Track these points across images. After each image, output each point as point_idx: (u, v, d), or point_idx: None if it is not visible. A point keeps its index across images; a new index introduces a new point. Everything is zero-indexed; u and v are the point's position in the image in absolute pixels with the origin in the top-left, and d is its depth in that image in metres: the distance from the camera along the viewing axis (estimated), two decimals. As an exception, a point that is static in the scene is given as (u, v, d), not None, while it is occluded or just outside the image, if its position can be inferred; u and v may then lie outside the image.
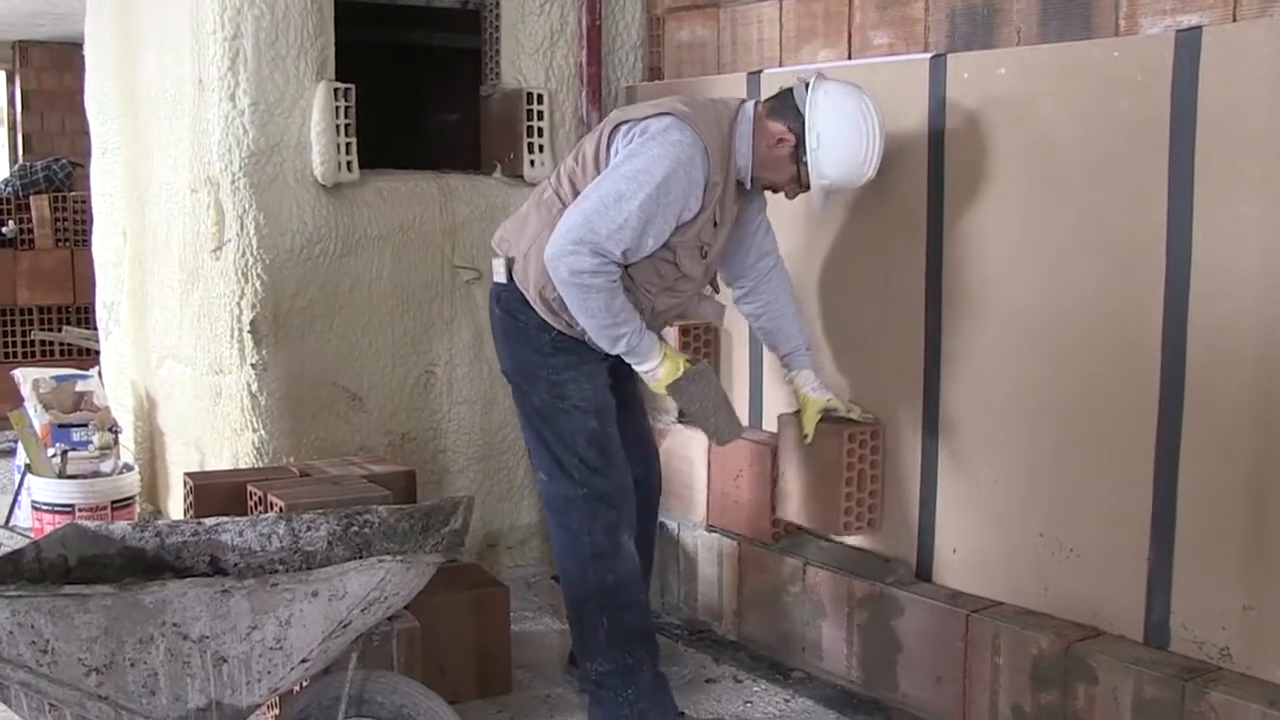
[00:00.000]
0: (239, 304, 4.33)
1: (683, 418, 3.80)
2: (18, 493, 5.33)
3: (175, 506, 5.02)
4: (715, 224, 3.45)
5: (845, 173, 3.43)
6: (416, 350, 4.67)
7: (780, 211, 3.82)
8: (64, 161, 8.52)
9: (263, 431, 4.39)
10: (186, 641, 2.47)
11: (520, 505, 4.93)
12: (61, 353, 7.79)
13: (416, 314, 4.64)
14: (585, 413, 3.51)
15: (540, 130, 4.75)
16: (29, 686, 2.45)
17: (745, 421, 4.34)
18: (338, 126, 4.34)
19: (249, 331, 4.33)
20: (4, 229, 7.88)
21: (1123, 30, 3.35)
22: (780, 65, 4.33)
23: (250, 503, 3.83)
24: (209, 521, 3.00)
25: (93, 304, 6.27)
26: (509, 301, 3.53)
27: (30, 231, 7.99)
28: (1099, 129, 3.26)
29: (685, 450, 4.44)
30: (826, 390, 3.83)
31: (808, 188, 3.48)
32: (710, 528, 4.37)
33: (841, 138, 3.39)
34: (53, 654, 2.42)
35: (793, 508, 4.01)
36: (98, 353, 6.22)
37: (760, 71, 4.27)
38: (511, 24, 4.79)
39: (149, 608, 2.43)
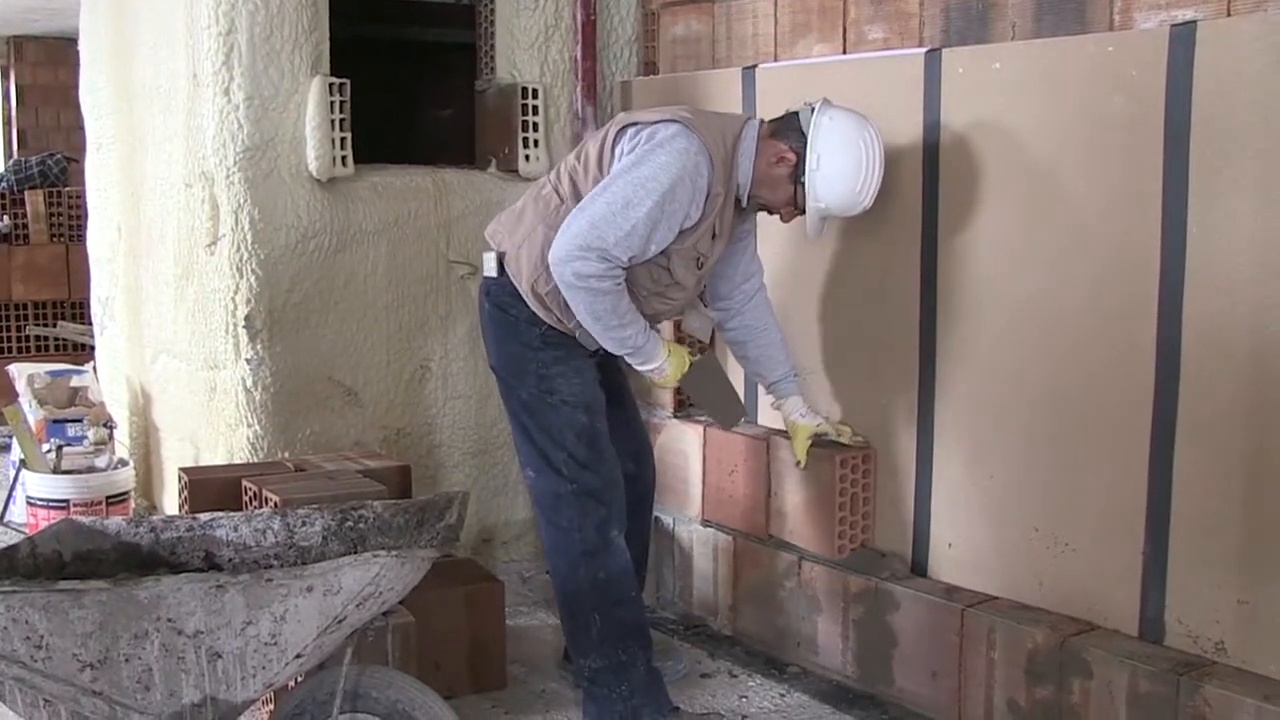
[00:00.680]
0: (234, 299, 4.33)
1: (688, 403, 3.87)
2: (12, 488, 5.33)
3: (170, 502, 5.02)
4: (714, 235, 3.46)
5: (842, 198, 3.43)
6: (411, 345, 4.67)
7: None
8: (59, 157, 8.52)
9: (257, 427, 4.39)
10: (181, 637, 2.47)
11: (515, 500, 4.93)
12: (56, 348, 7.79)
13: (411, 309, 4.64)
14: (574, 407, 3.50)
15: (535, 125, 4.75)
16: (23, 682, 2.45)
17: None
18: (332, 121, 4.33)
19: (244, 326, 4.33)
20: (-1, 224, 7.88)
21: (1117, 25, 3.35)
22: (775, 60, 4.33)
23: (245, 498, 3.82)
24: (204, 517, 3.00)
25: (88, 299, 6.27)
26: (499, 295, 3.53)
27: (25, 227, 7.99)
28: (1093, 124, 3.26)
29: (680, 445, 4.44)
30: (816, 415, 3.86)
31: (803, 210, 3.48)
32: (705, 522, 4.37)
33: (841, 162, 3.38)
34: (47, 649, 2.42)
35: (786, 528, 4.03)
36: (92, 348, 6.22)
37: (755, 66, 4.27)
38: (506, 19, 4.78)
39: (144, 603, 2.43)
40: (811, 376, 4.07)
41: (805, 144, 3.40)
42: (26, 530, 4.94)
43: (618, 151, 3.38)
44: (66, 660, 2.43)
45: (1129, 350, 3.23)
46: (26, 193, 8.04)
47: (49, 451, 5.05)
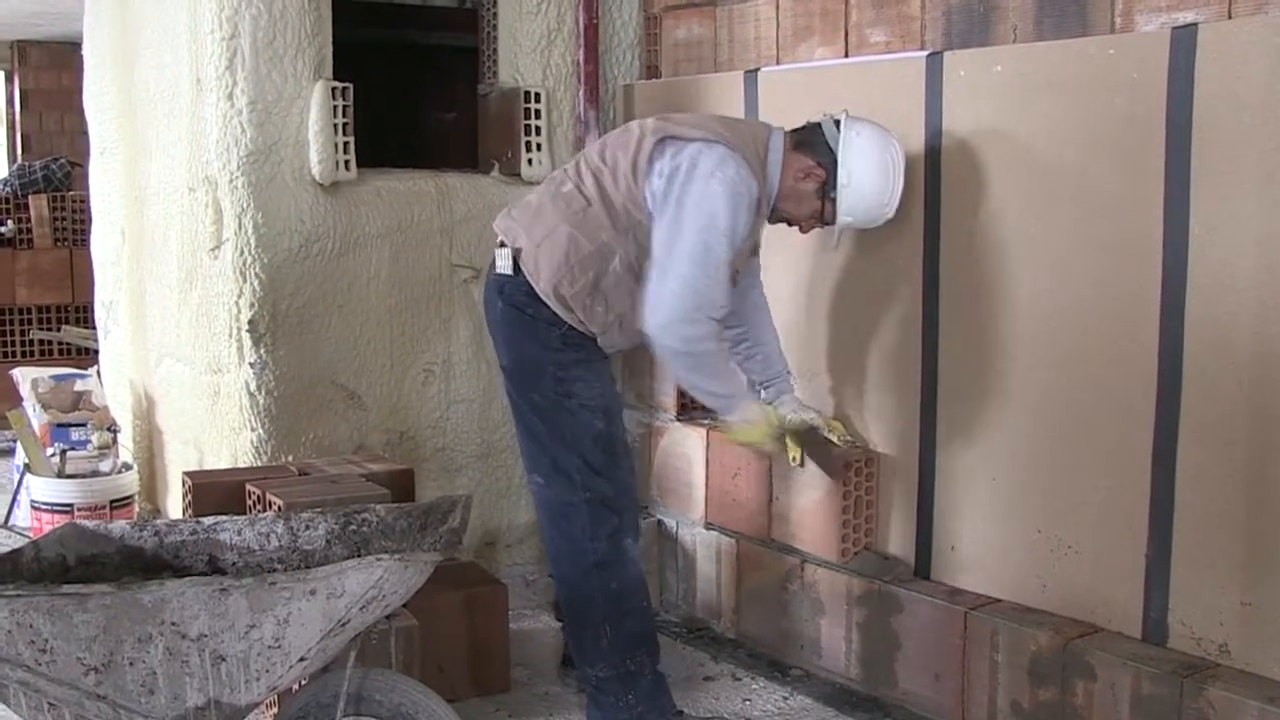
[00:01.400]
0: (237, 303, 4.34)
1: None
2: (16, 492, 5.34)
3: (174, 505, 5.02)
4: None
5: (870, 211, 3.47)
6: (414, 349, 4.67)
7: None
8: (62, 161, 8.52)
9: (261, 430, 4.40)
10: (185, 640, 2.47)
11: (518, 503, 4.93)
12: (60, 352, 7.79)
13: (414, 313, 4.64)
14: (593, 412, 3.43)
15: (538, 129, 4.75)
16: (28, 686, 2.46)
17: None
18: (335, 126, 4.34)
19: (247, 330, 4.34)
20: (3, 228, 7.88)
21: (1118, 28, 3.35)
22: (777, 63, 4.33)
23: (249, 502, 3.83)
24: (207, 520, 3.00)
25: (91, 303, 6.27)
26: (514, 294, 3.43)
27: (29, 231, 7.99)
28: (1095, 126, 3.26)
29: (683, 448, 4.44)
30: (809, 410, 3.84)
31: (829, 223, 3.49)
32: (709, 525, 4.37)
33: (871, 177, 3.42)
34: (51, 653, 2.43)
35: (789, 531, 4.03)
36: (96, 352, 6.23)
37: (757, 70, 4.27)
38: (509, 23, 4.79)
39: (147, 607, 2.43)
40: (816, 378, 4.07)
41: (833, 159, 3.40)
42: (31, 534, 4.95)
43: (657, 169, 3.32)
44: (70, 664, 2.44)
45: (1132, 352, 3.23)
46: (30, 197, 8.04)
47: (53, 455, 5.05)
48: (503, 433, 4.82)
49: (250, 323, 4.33)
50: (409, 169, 4.72)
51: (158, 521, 3.01)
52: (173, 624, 2.45)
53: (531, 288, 3.39)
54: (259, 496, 3.76)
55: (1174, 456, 3.16)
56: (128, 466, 5.12)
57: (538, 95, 4.75)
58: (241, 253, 4.30)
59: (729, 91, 4.33)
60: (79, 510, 4.79)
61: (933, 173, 3.67)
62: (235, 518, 3.02)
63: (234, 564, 2.96)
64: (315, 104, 4.32)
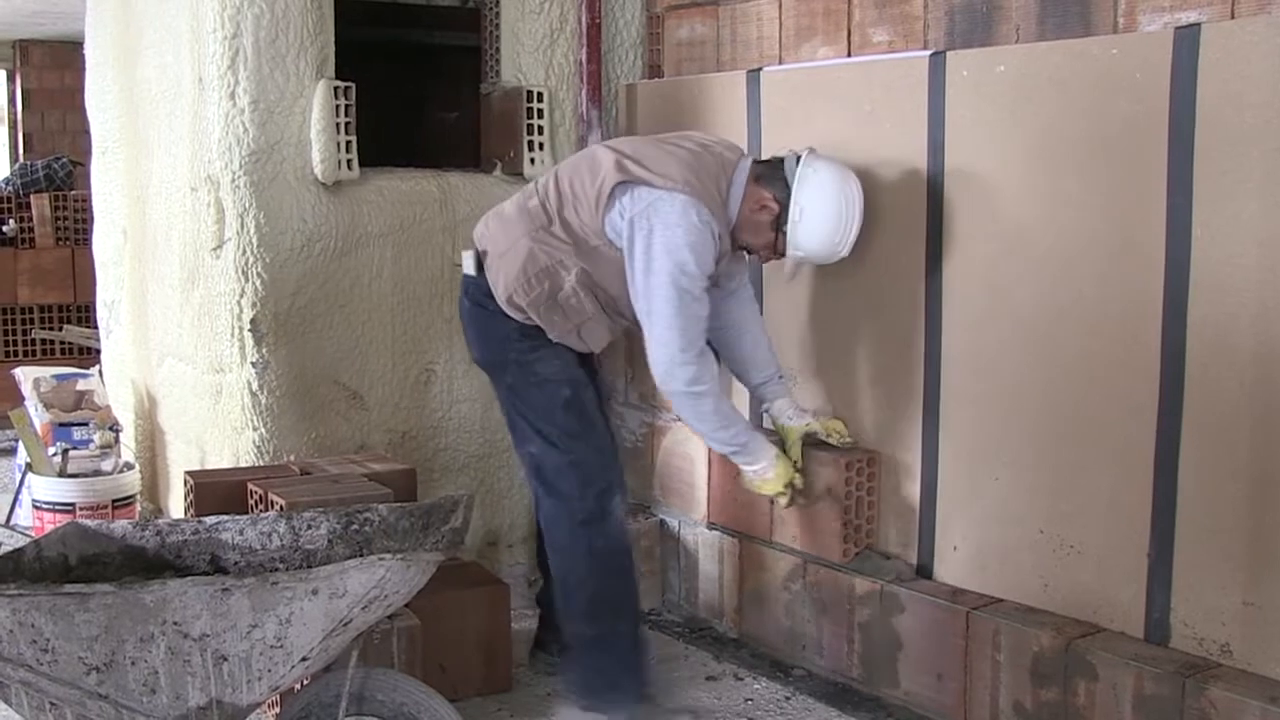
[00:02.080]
0: (239, 302, 4.34)
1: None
2: (18, 491, 5.33)
3: (176, 505, 5.02)
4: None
5: (820, 249, 3.58)
6: (417, 348, 4.67)
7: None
8: (64, 160, 8.52)
9: (263, 430, 4.40)
10: (187, 640, 2.47)
11: (520, 503, 4.92)
12: (62, 351, 7.79)
13: (417, 312, 4.64)
14: (558, 383, 3.60)
15: (540, 128, 4.74)
16: (29, 685, 2.46)
17: (745, 416, 4.34)
18: (338, 125, 4.34)
19: (249, 330, 4.34)
20: (5, 227, 7.88)
21: (1121, 27, 3.35)
22: (780, 63, 4.33)
23: (251, 501, 3.83)
24: (209, 520, 3.00)
25: (93, 303, 6.27)
26: (476, 293, 3.65)
27: (31, 230, 7.99)
28: (1098, 126, 3.26)
29: (685, 448, 4.44)
30: (805, 414, 3.90)
31: (782, 255, 3.60)
32: (711, 525, 4.37)
33: (822, 216, 3.51)
34: (53, 653, 2.43)
35: (791, 534, 4.03)
36: (98, 351, 6.22)
37: (760, 69, 4.27)
38: (511, 22, 4.78)
39: (149, 606, 2.43)
40: (817, 379, 4.07)
41: (788, 194, 3.50)
42: (32, 533, 4.95)
43: (617, 208, 3.44)
44: (72, 663, 2.44)
45: (1134, 352, 3.22)
46: (32, 196, 8.04)
47: (55, 455, 5.05)
48: (504, 432, 4.77)
49: (252, 322, 4.33)
50: (411, 168, 4.72)
51: (160, 521, 3.01)
52: (175, 623, 2.45)
53: (491, 288, 3.59)
54: (261, 496, 3.76)
55: (1176, 456, 3.16)
56: (129, 466, 5.12)
57: (540, 94, 4.75)
58: (244, 252, 4.30)
59: (731, 91, 4.33)
60: (81, 510, 4.78)
61: (935, 172, 3.67)
62: (237, 517, 3.02)
63: (236, 564, 2.97)
64: (317, 103, 4.31)
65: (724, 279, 3.79)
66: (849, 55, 4.09)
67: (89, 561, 2.88)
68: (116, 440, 5.28)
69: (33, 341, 7.94)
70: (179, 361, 4.91)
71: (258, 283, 4.31)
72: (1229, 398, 3.05)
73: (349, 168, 4.38)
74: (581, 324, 3.58)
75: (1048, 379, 3.44)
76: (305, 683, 2.97)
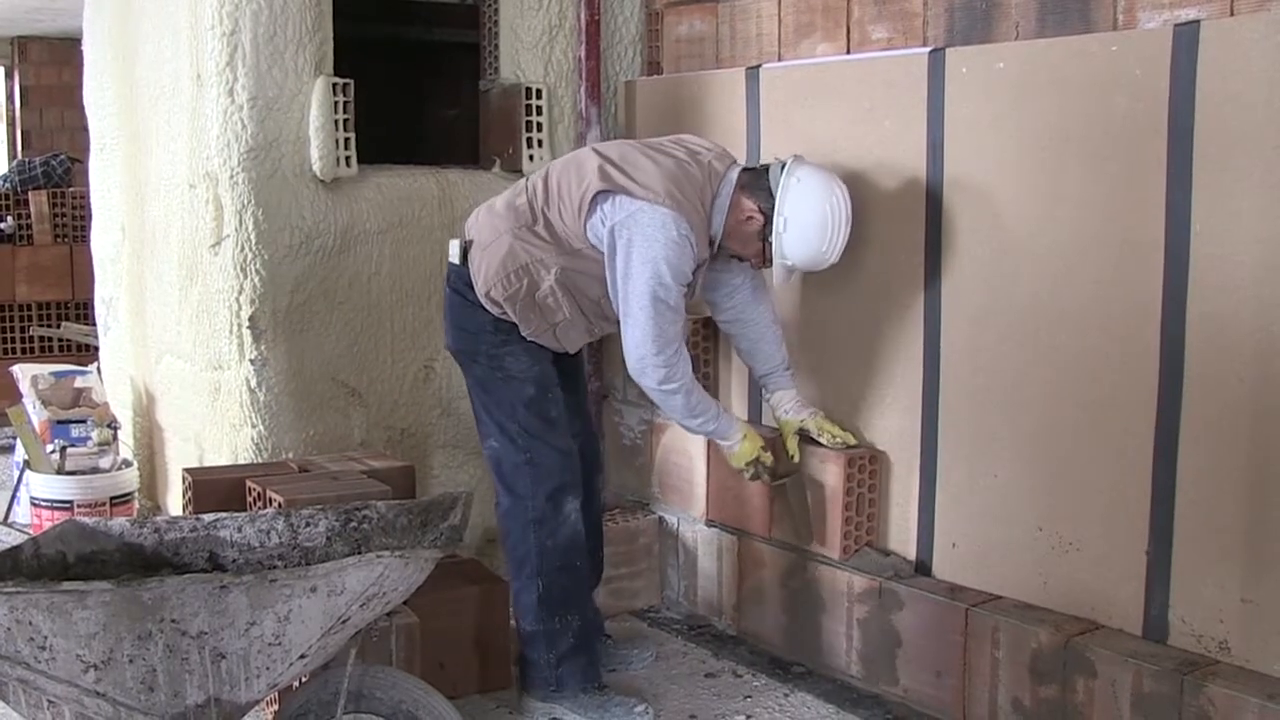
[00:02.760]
0: (238, 299, 4.33)
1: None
2: (16, 489, 5.33)
3: (174, 502, 5.02)
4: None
5: (807, 257, 3.59)
6: (415, 345, 4.67)
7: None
8: (62, 157, 8.51)
9: (261, 427, 4.39)
10: (185, 638, 2.47)
11: (519, 500, 4.92)
12: (60, 348, 7.78)
13: (415, 309, 4.64)
14: (523, 381, 3.64)
15: (539, 125, 4.74)
16: (27, 683, 2.46)
17: (745, 415, 4.35)
18: (336, 121, 4.33)
19: (248, 327, 4.33)
20: (3, 225, 7.88)
21: (1121, 24, 3.34)
22: (779, 60, 4.33)
23: (249, 498, 3.83)
24: (208, 517, 3.00)
25: (91, 300, 6.27)
26: (457, 281, 3.68)
27: (29, 227, 7.98)
28: (1097, 123, 3.25)
29: (684, 445, 4.44)
30: (803, 410, 3.92)
31: (771, 263, 3.62)
32: (710, 522, 4.37)
33: (807, 225, 3.52)
34: (51, 650, 2.43)
35: (791, 530, 4.03)
36: (96, 348, 6.22)
37: (759, 66, 4.27)
38: (510, 19, 4.78)
39: (147, 604, 2.43)
40: (817, 377, 4.07)
41: (773, 204, 3.51)
42: (30, 531, 4.94)
43: (598, 214, 3.48)
44: (70, 661, 2.44)
45: (1133, 349, 3.22)
46: (30, 193, 8.03)
47: (53, 452, 5.05)
48: (503, 429, 4.81)
49: (251, 319, 4.33)
50: (410, 165, 4.72)
51: (158, 518, 3.01)
52: (173, 621, 2.45)
53: (472, 279, 3.63)
54: (259, 493, 3.76)
55: (1175, 454, 3.16)
56: (128, 463, 5.11)
57: (539, 91, 4.75)
58: (242, 249, 4.29)
59: (730, 88, 4.33)
60: (79, 507, 4.78)
61: (934, 169, 3.66)
62: (236, 515, 3.02)
63: (234, 561, 2.96)
64: (316, 100, 4.31)
65: (727, 274, 3.82)
66: (848, 52, 4.09)
67: (87, 559, 2.87)
68: (115, 437, 5.28)
69: (31, 339, 7.93)
70: (177, 359, 4.91)
71: (256, 280, 4.30)
72: (1228, 395, 3.05)
73: (347, 165, 4.38)
74: (557, 324, 3.61)
75: (1047, 376, 3.43)
76: (304, 680, 2.97)
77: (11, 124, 11.62)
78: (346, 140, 4.36)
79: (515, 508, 3.67)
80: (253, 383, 4.37)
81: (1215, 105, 3.01)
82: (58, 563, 2.83)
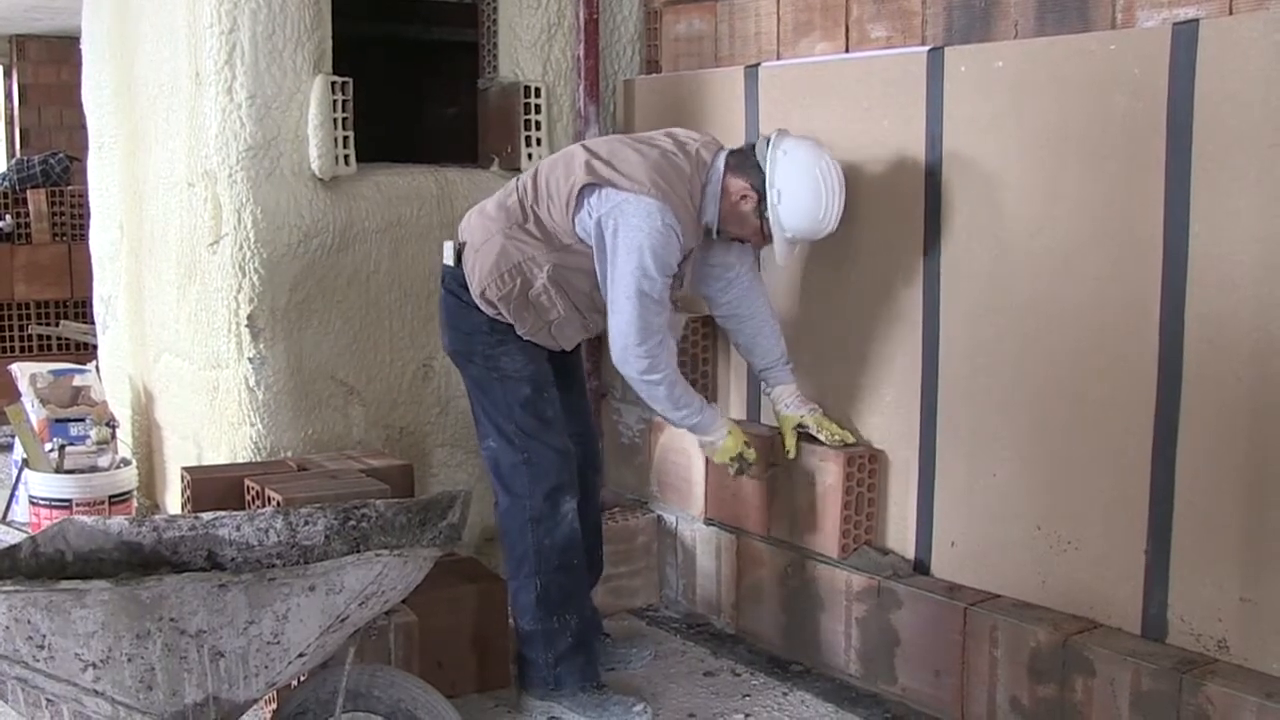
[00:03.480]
0: (236, 298, 4.33)
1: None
2: (15, 487, 5.33)
3: (173, 501, 5.02)
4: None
5: (805, 226, 3.58)
6: (414, 344, 4.67)
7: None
8: (61, 156, 8.51)
9: (260, 426, 4.39)
10: (184, 636, 2.47)
11: (518, 499, 4.92)
12: (59, 347, 7.78)
13: (414, 308, 4.64)
14: (519, 381, 3.65)
15: (538, 124, 4.74)
16: (25, 682, 2.46)
17: (744, 414, 4.35)
18: (335, 120, 4.33)
19: (246, 326, 4.33)
20: (1, 223, 7.88)
21: (1120, 23, 3.34)
22: (778, 59, 4.32)
23: (248, 497, 3.83)
24: (206, 516, 3.00)
25: (90, 298, 6.27)
26: (452, 282, 3.69)
27: (27, 226, 7.98)
28: (1096, 122, 3.25)
29: (682, 443, 4.43)
30: (802, 405, 3.94)
31: (771, 240, 3.62)
32: (708, 521, 4.37)
33: (800, 193, 3.53)
34: (49, 649, 2.42)
35: (789, 527, 4.03)
36: (95, 347, 6.22)
37: (758, 65, 4.27)
38: (509, 17, 4.78)
39: (146, 603, 2.43)
40: (815, 375, 4.06)
41: (764, 179, 3.54)
42: (29, 529, 4.94)
43: (585, 208, 3.50)
44: (69, 660, 2.44)
45: (1132, 348, 3.22)
46: (29, 192, 8.03)
47: (51, 451, 5.04)
48: (502, 428, 4.81)
49: (249, 318, 4.33)
50: (409, 164, 4.72)
51: (156, 517, 3.01)
52: (171, 620, 2.45)
53: (466, 280, 3.64)
54: (258, 492, 3.76)
55: (1173, 453, 3.16)
56: (126, 462, 5.11)
57: (538, 90, 4.75)
58: (240, 247, 4.29)
59: (729, 87, 4.33)
60: (77, 506, 4.78)
61: (933, 168, 3.66)
62: (234, 513, 3.02)
63: (233, 560, 2.96)
64: (315, 99, 4.31)
65: (723, 267, 3.83)
66: (847, 51, 4.08)
67: (85, 558, 2.87)
68: (113, 436, 5.28)
69: (29, 337, 7.93)
70: (176, 357, 4.90)
71: (255, 278, 4.30)
72: (1226, 394, 3.05)
73: (346, 163, 4.38)
74: (552, 322, 3.63)
75: (1046, 375, 3.43)
76: (302, 679, 2.96)
77: (10, 122, 11.62)
78: (345, 139, 4.36)
79: (513, 507, 3.68)
80: (251, 381, 4.36)
81: (1214, 104, 3.01)
82: (56, 561, 2.83)
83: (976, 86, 3.53)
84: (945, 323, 3.68)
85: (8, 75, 11.44)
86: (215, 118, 4.28)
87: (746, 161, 3.58)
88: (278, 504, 3.56)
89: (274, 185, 4.30)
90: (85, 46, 5.80)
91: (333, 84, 4.32)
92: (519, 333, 3.62)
